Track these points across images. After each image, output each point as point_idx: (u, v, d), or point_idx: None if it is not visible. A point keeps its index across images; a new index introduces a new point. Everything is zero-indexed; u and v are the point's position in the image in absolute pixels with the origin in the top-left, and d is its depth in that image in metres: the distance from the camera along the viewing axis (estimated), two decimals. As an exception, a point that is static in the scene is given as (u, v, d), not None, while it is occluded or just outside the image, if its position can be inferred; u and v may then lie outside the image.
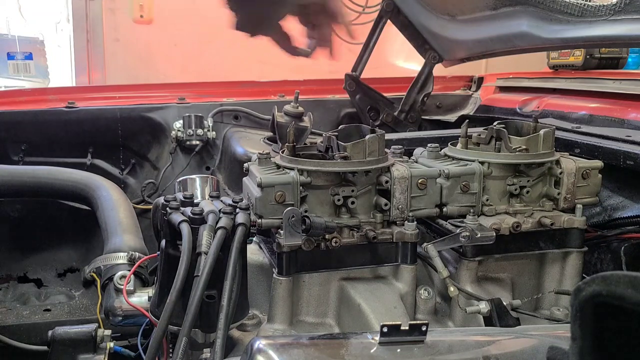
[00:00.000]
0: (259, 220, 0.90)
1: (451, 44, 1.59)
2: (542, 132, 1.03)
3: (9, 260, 1.84)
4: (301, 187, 0.91)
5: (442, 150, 1.11)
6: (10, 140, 1.91)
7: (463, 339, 0.75)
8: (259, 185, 0.90)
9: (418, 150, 1.16)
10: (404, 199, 0.96)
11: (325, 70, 2.20)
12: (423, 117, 1.99)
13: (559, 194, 1.03)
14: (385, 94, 2.06)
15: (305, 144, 1.59)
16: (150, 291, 1.02)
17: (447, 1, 1.55)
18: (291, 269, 0.92)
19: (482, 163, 1.01)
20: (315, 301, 0.96)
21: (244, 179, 1.01)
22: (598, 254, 1.21)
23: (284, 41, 1.71)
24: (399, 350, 0.63)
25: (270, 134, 1.78)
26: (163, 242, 0.90)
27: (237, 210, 0.89)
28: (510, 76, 2.11)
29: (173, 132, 1.99)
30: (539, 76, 2.01)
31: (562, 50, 1.95)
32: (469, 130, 1.12)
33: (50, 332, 1.01)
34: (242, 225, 0.86)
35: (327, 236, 0.90)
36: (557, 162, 1.04)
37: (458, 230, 0.92)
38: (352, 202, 0.93)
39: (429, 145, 1.10)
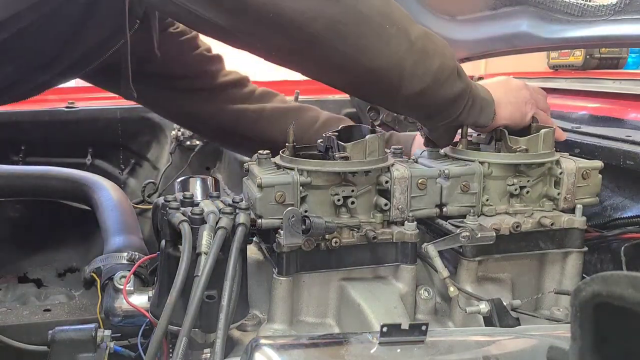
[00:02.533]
0: (259, 221, 0.90)
1: (451, 44, 1.58)
2: (542, 132, 1.03)
3: (9, 260, 1.84)
4: (301, 187, 0.91)
5: (442, 151, 1.11)
6: (10, 140, 1.92)
7: (463, 339, 0.75)
8: (259, 186, 0.90)
9: (418, 151, 1.16)
10: (404, 199, 0.96)
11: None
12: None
13: (559, 194, 1.03)
14: (385, 94, 2.05)
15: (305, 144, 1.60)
16: (150, 291, 1.02)
17: (447, 1, 1.56)
18: (291, 269, 0.92)
19: (482, 163, 1.01)
20: (315, 301, 0.96)
21: (244, 179, 1.01)
22: (598, 254, 1.21)
23: None
24: (399, 350, 0.64)
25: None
26: (163, 242, 0.90)
27: (237, 210, 0.89)
28: (510, 76, 2.11)
29: (173, 132, 1.99)
30: (539, 76, 2.01)
31: (562, 50, 1.95)
32: (469, 130, 1.12)
33: (50, 332, 1.01)
34: (242, 225, 0.86)
35: (327, 236, 0.90)
36: (557, 162, 1.04)
37: (458, 231, 0.92)
38: (352, 202, 0.93)
39: (429, 145, 1.10)
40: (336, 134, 1.00)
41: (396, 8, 0.96)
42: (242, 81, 1.54)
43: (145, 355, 0.80)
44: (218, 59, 1.53)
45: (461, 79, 1.02)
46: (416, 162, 1.08)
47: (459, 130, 1.11)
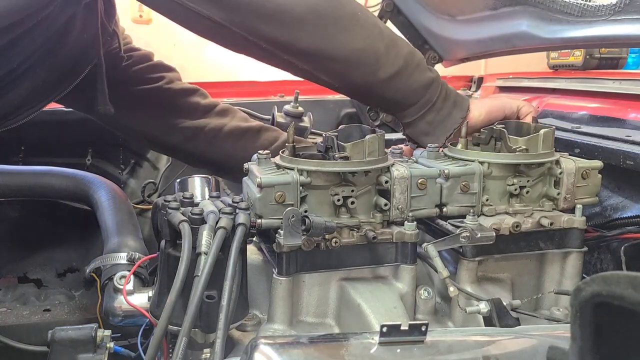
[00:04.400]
0: (259, 221, 0.90)
1: (451, 44, 1.59)
2: (542, 132, 1.03)
3: (9, 260, 1.84)
4: (301, 187, 0.91)
5: (442, 150, 1.11)
6: (9, 140, 1.91)
7: (463, 339, 0.75)
8: (259, 186, 0.90)
9: (418, 151, 1.16)
10: (403, 199, 0.96)
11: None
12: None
13: (558, 194, 1.03)
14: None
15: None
16: (150, 291, 1.02)
17: (447, 1, 1.55)
18: (291, 269, 0.92)
19: (482, 163, 1.01)
20: (315, 301, 0.96)
21: (244, 179, 1.01)
22: (598, 254, 1.21)
23: None
24: (398, 350, 0.64)
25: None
26: (163, 242, 0.90)
27: (237, 210, 0.89)
28: (510, 76, 2.11)
29: (173, 132, 1.98)
30: (539, 76, 2.01)
31: (562, 50, 1.95)
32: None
33: (50, 333, 1.01)
34: (242, 225, 0.86)
35: (327, 236, 0.90)
36: (557, 162, 1.04)
37: (458, 231, 0.92)
38: (352, 202, 0.93)
39: (429, 145, 1.10)
40: (336, 134, 1.00)
41: (360, 4, 1.11)
42: (202, 92, 1.56)
43: (145, 355, 0.80)
44: (174, 69, 1.57)
45: (431, 71, 1.14)
46: (416, 162, 1.08)
47: (450, 133, 1.12)
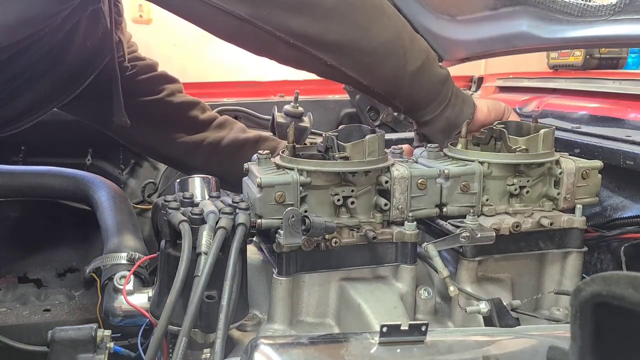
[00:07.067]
0: (259, 221, 0.90)
1: (451, 44, 1.59)
2: (542, 132, 1.03)
3: (9, 260, 1.84)
4: (301, 187, 0.91)
5: (442, 150, 1.11)
6: (9, 140, 1.91)
7: (463, 339, 0.75)
8: (259, 186, 0.90)
9: (418, 150, 1.16)
10: (403, 199, 0.96)
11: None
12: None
13: (558, 194, 1.03)
14: (385, 94, 2.05)
15: (305, 144, 1.60)
16: (150, 291, 1.02)
17: (447, 1, 1.55)
18: (291, 269, 0.92)
19: (482, 163, 1.01)
20: (315, 301, 0.96)
21: (244, 179, 1.01)
22: (598, 254, 1.21)
23: None
24: (398, 350, 0.64)
25: (270, 134, 1.78)
26: (163, 242, 0.90)
27: (237, 210, 0.89)
28: (510, 76, 2.11)
29: (173, 132, 1.98)
30: (539, 76, 2.01)
31: (562, 50, 1.95)
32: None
33: (50, 333, 1.01)
34: (242, 225, 0.86)
35: (327, 236, 0.90)
36: (557, 162, 1.04)
37: (458, 231, 0.92)
38: (352, 202, 0.93)
39: (429, 145, 1.10)
40: (336, 134, 1.00)
41: None
42: (202, 105, 1.56)
43: (145, 355, 0.80)
44: (177, 80, 1.57)
45: (442, 68, 1.15)
46: (416, 162, 1.08)
47: (460, 129, 1.11)
